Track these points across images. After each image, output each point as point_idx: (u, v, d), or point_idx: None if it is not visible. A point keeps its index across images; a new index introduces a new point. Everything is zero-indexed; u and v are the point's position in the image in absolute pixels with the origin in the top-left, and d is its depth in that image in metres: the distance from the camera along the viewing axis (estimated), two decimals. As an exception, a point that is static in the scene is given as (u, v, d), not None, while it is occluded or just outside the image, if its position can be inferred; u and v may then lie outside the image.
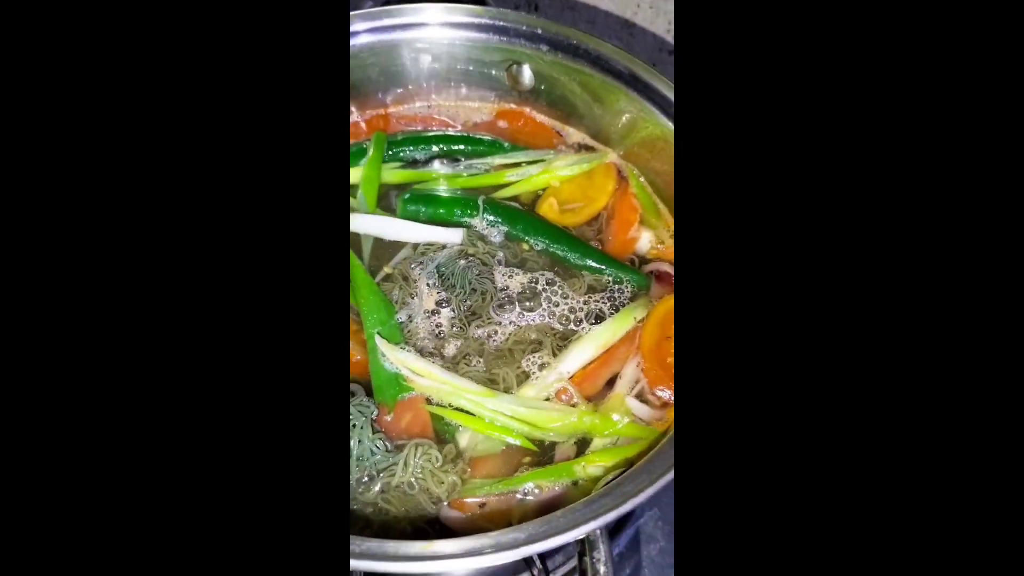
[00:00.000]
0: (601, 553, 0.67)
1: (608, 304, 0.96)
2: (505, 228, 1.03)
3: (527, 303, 0.96)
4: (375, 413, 0.87)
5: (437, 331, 0.94)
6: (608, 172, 1.08)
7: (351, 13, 1.02)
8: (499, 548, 0.65)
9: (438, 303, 0.96)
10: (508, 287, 0.97)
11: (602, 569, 0.68)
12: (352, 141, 1.10)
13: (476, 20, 1.04)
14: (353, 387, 0.90)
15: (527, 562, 0.88)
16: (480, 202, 1.04)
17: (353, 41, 1.02)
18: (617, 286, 0.98)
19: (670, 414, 0.88)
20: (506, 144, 1.10)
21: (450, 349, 0.93)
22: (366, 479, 0.83)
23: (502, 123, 1.14)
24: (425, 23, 1.05)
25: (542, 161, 1.07)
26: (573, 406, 0.88)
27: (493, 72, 1.11)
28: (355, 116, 1.11)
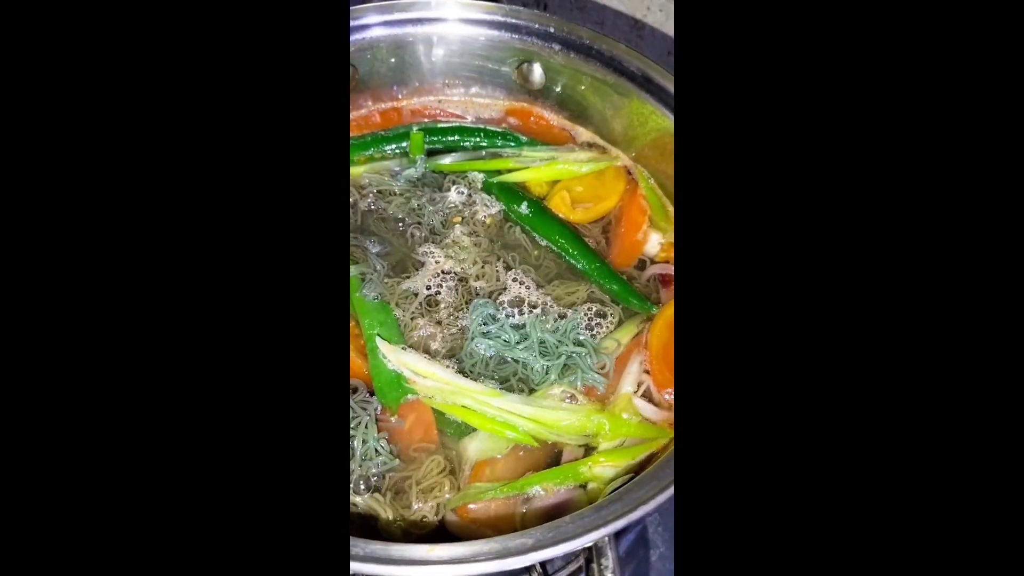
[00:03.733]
0: (609, 560, 0.66)
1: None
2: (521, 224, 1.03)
3: (533, 307, 0.95)
4: (379, 409, 0.86)
5: (436, 330, 0.93)
6: (618, 173, 1.07)
7: (365, 5, 1.01)
8: (506, 554, 0.64)
9: (435, 300, 0.95)
10: (508, 287, 0.96)
11: (609, 576, 0.66)
12: (367, 132, 1.10)
13: (489, 17, 1.04)
14: (354, 383, 0.89)
15: (527, 567, 0.87)
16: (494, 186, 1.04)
17: (366, 34, 1.02)
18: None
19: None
20: (522, 138, 1.09)
21: (449, 348, 0.92)
22: (371, 480, 0.82)
23: (512, 120, 1.13)
24: (439, 18, 1.04)
25: (554, 156, 1.07)
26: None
27: (503, 69, 1.10)
28: (369, 108, 1.10)
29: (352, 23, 1.01)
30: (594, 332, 0.93)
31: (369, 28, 1.01)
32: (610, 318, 0.94)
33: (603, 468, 0.82)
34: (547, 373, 0.89)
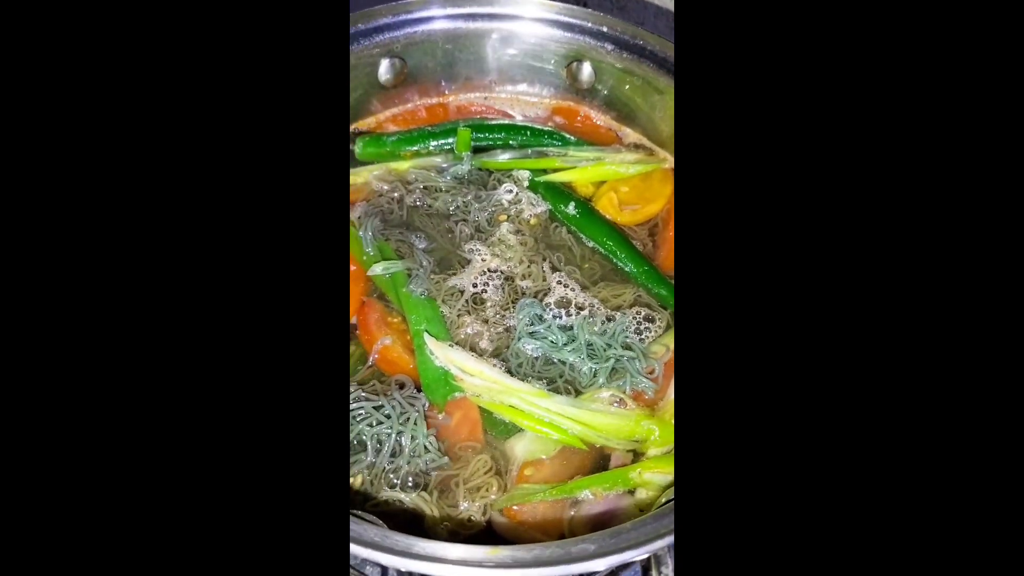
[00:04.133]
0: (669, 569, 0.66)
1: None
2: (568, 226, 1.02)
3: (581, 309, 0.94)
4: (426, 406, 0.85)
5: (483, 329, 0.92)
6: (665, 176, 1.06)
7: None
8: (569, 559, 0.63)
9: (482, 298, 0.94)
10: (553, 288, 0.95)
11: (668, 586, 0.66)
12: (413, 127, 1.10)
13: (545, 15, 1.03)
14: (402, 378, 0.88)
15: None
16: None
17: (424, 27, 1.01)
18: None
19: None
20: (569, 137, 1.08)
21: (495, 347, 0.91)
22: (419, 477, 0.81)
23: (558, 119, 1.12)
24: (501, 14, 1.03)
25: (601, 156, 1.06)
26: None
27: (551, 67, 1.10)
28: (416, 103, 1.10)
29: (409, 16, 1.00)
30: (643, 336, 0.92)
31: (431, 20, 1.01)
32: (658, 322, 0.93)
33: (653, 475, 0.81)
34: (595, 376, 0.88)
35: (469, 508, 0.81)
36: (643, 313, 0.94)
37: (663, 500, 0.77)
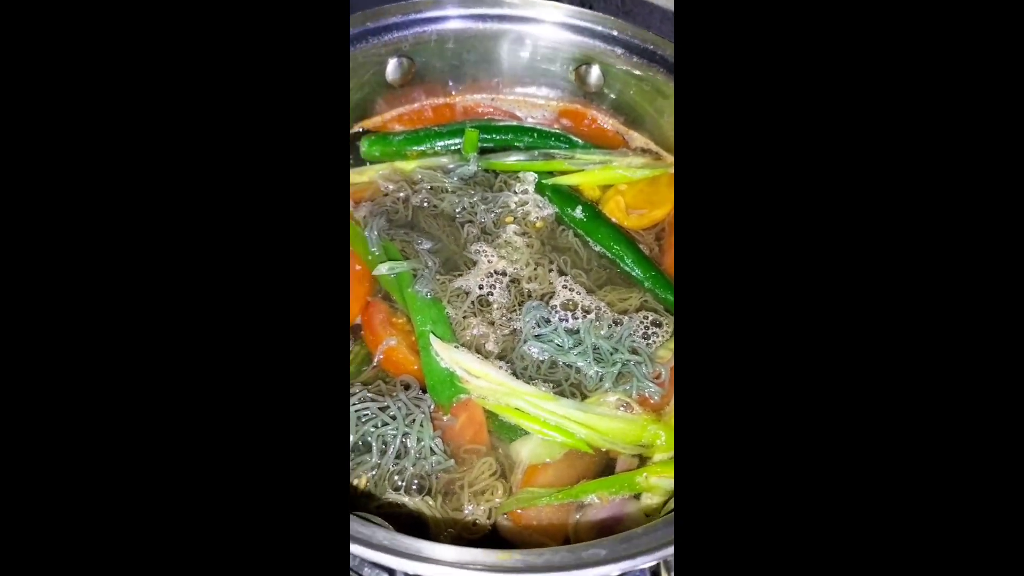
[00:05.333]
0: (679, 575, 0.65)
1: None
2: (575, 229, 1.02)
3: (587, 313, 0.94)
4: (432, 406, 0.85)
5: (489, 331, 0.92)
6: (672, 180, 1.06)
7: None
8: (581, 564, 0.63)
9: (488, 300, 0.94)
10: (558, 292, 0.95)
11: (678, 592, 0.65)
12: (420, 126, 1.09)
13: (556, 17, 1.03)
14: (407, 379, 0.87)
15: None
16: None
17: (438, 26, 1.01)
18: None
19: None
20: (577, 140, 1.08)
21: (501, 350, 0.91)
22: (424, 479, 0.81)
23: (565, 121, 1.12)
24: (505, 15, 1.03)
25: (608, 160, 1.05)
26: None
27: (558, 69, 1.10)
28: (422, 102, 1.09)
29: (418, 15, 1.00)
30: (649, 341, 0.91)
31: (441, 21, 1.01)
32: (665, 327, 0.93)
33: (659, 479, 0.81)
34: (601, 380, 0.88)
35: (474, 512, 0.80)
36: (651, 318, 0.93)
37: (672, 505, 0.77)
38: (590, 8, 1.51)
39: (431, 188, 1.03)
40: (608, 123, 1.12)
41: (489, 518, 0.80)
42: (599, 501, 0.80)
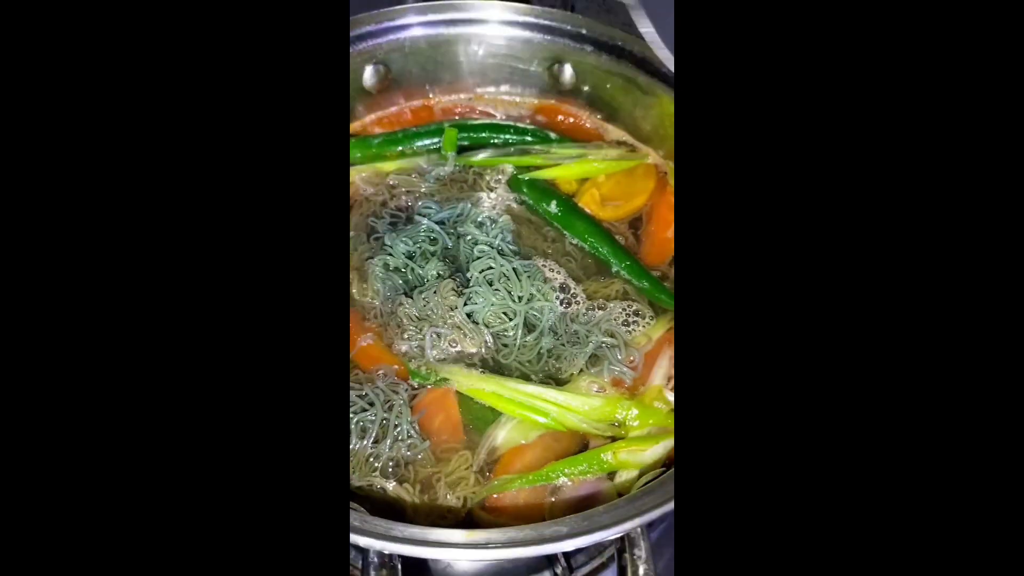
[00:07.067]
0: (642, 551, 0.67)
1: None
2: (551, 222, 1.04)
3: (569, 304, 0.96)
4: (408, 391, 0.87)
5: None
6: (648, 171, 1.08)
7: (404, 6, 1.03)
8: (542, 540, 0.65)
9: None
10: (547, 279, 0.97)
11: (642, 568, 0.67)
12: (399, 128, 1.12)
13: (525, 19, 1.06)
14: (384, 367, 0.90)
15: (549, 559, 0.88)
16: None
17: (404, 34, 1.04)
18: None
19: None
20: (552, 135, 1.10)
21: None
22: (400, 464, 0.83)
23: (539, 118, 1.15)
24: (477, 19, 1.06)
25: (584, 153, 1.08)
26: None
27: (533, 69, 1.12)
28: (401, 105, 1.12)
29: (391, 23, 1.03)
30: (630, 328, 0.94)
31: (408, 28, 1.04)
32: (648, 319, 0.95)
33: (627, 454, 0.82)
34: (574, 360, 0.90)
35: (449, 498, 0.82)
36: (634, 307, 0.95)
37: (640, 484, 0.79)
38: (571, 9, 1.55)
39: (408, 190, 1.06)
40: (584, 118, 1.14)
41: (463, 504, 0.82)
42: (571, 483, 0.82)
